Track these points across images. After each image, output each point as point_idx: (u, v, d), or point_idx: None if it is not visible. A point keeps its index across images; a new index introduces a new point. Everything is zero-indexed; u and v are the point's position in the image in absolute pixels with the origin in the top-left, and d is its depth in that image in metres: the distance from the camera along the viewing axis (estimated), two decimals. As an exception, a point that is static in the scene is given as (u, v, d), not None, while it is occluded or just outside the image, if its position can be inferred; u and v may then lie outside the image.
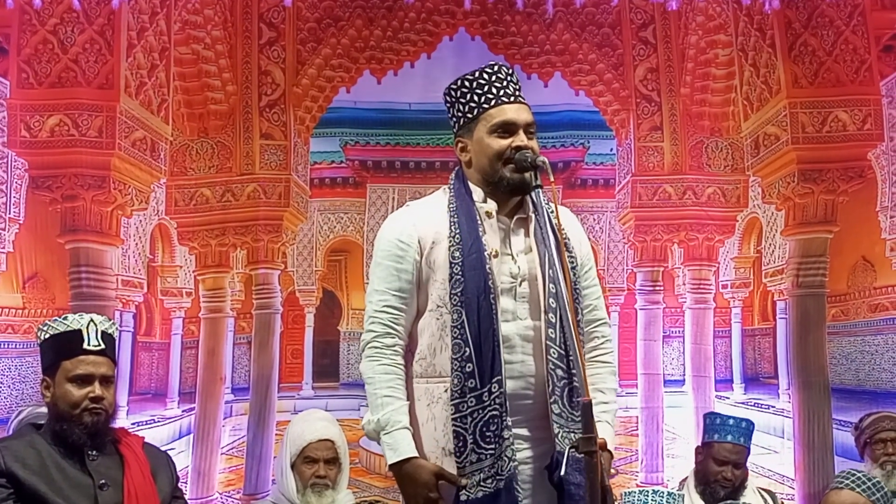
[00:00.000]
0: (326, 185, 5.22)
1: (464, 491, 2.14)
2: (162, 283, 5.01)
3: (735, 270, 5.30)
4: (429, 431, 2.21)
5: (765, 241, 5.22)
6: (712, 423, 3.70)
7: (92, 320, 2.60)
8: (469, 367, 2.15)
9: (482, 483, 2.13)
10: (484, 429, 2.13)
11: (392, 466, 2.17)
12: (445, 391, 2.19)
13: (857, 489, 3.15)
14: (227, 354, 5.02)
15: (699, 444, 3.76)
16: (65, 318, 2.61)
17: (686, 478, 3.78)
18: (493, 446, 2.13)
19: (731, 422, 3.69)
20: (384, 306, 2.25)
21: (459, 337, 2.17)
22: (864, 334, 4.91)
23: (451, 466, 2.18)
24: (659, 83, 5.22)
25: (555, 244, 2.20)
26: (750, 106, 5.13)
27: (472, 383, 2.15)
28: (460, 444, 2.15)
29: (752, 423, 3.74)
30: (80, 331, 2.57)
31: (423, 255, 2.26)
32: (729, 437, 3.60)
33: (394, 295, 2.26)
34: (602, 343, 2.40)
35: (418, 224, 2.30)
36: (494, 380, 2.15)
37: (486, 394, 2.14)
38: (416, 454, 2.16)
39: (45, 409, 2.69)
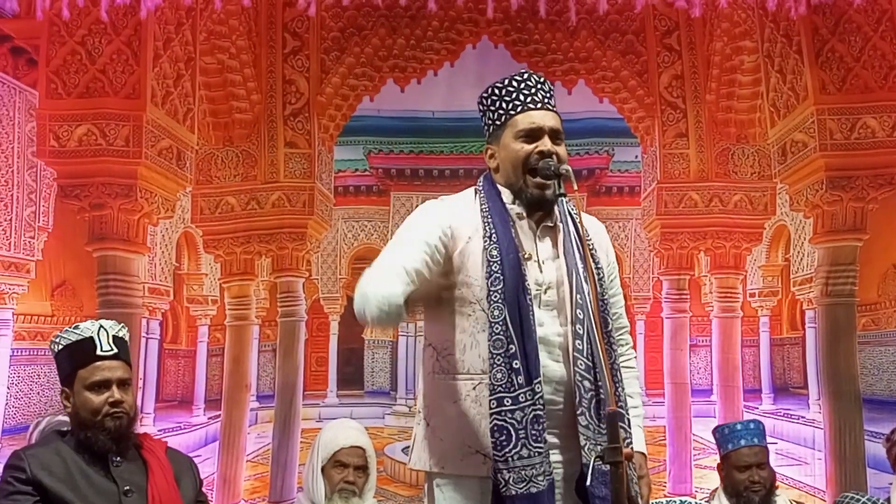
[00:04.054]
0: (350, 194, 5.24)
1: (513, 485, 2.07)
2: (188, 291, 5.04)
3: (763, 279, 5.24)
4: (454, 429, 2.17)
5: (793, 249, 5.15)
6: (721, 435, 3.67)
7: (102, 326, 2.58)
8: (516, 363, 2.11)
9: (534, 480, 2.08)
10: (530, 427, 2.10)
11: None
12: (474, 388, 2.15)
13: None
14: (252, 362, 5.04)
15: (718, 462, 3.72)
16: (76, 328, 2.60)
17: (716, 489, 3.73)
18: (541, 445, 2.10)
19: (738, 427, 3.65)
20: (403, 256, 2.12)
21: (503, 333, 2.12)
22: (895, 344, 4.83)
23: (474, 465, 2.14)
24: (684, 90, 5.18)
25: (580, 254, 2.18)
26: (777, 112, 5.08)
27: (520, 380, 2.11)
28: (503, 438, 2.09)
29: (760, 422, 3.69)
30: (91, 338, 2.56)
31: (455, 244, 2.21)
32: (742, 442, 3.56)
33: (417, 253, 2.13)
34: (627, 350, 2.39)
35: (456, 213, 2.26)
36: (536, 381, 2.12)
37: (530, 392, 2.11)
38: None
39: (64, 417, 2.70)
